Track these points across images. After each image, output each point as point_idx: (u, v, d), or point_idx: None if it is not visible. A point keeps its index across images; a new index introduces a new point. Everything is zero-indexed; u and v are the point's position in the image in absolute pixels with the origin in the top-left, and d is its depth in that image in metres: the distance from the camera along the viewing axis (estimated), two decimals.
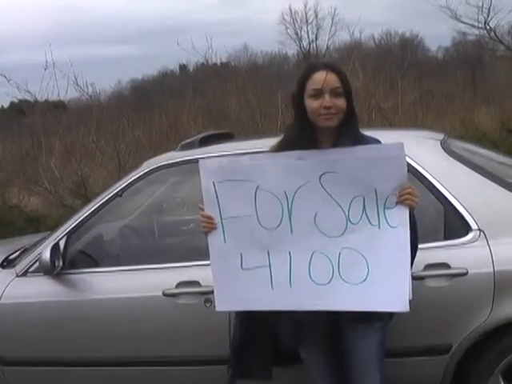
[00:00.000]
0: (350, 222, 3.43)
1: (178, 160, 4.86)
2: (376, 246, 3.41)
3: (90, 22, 70.19)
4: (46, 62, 13.30)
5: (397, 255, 3.39)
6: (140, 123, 16.98)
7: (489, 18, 14.38)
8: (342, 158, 3.41)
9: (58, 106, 17.93)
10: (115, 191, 4.84)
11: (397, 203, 3.38)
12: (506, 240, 4.05)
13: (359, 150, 3.41)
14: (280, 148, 3.62)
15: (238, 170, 3.54)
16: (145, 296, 4.52)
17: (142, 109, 22.12)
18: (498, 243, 4.04)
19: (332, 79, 3.45)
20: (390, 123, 14.33)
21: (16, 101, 16.48)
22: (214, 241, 3.61)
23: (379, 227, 3.41)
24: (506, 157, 5.64)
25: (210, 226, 3.60)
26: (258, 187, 3.49)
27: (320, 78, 3.46)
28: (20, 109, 17.67)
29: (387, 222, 3.40)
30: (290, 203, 3.46)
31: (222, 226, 3.58)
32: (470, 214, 4.12)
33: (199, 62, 25.69)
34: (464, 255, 4.07)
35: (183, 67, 43.95)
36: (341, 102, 3.45)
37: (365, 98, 14.84)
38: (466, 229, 4.11)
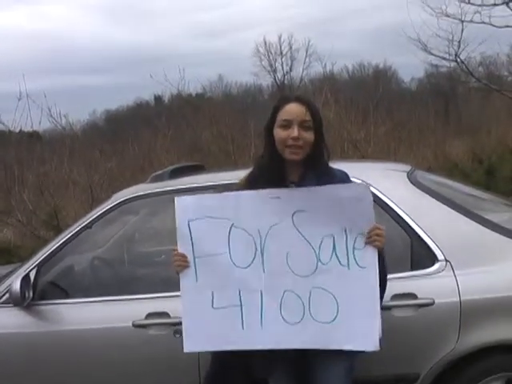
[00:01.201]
0: (321, 261, 3.48)
1: (148, 192, 4.89)
2: (346, 285, 3.46)
3: (63, 50, 70.18)
4: (20, 92, 13.28)
5: (366, 295, 3.46)
6: (113, 154, 16.98)
7: (459, 51, 14.54)
8: (312, 197, 3.46)
9: (32, 136, 17.89)
10: (85, 223, 4.84)
11: (366, 244, 3.44)
12: (471, 270, 4.11)
13: (328, 189, 3.46)
14: (249, 179, 3.68)
15: (213, 208, 3.56)
16: (115, 327, 4.51)
17: (115, 140, 22.14)
18: (464, 273, 4.10)
19: (302, 112, 3.51)
20: (362, 155, 14.41)
21: None
22: (186, 279, 3.61)
23: (348, 268, 3.47)
24: (472, 188, 5.72)
25: (182, 264, 3.61)
26: (232, 225, 3.52)
27: (291, 109, 3.53)
28: None
29: (356, 263, 3.46)
30: (262, 242, 3.50)
31: (195, 265, 3.58)
32: (436, 244, 4.17)
33: (174, 92, 25.70)
34: (430, 285, 4.11)
35: (158, 98, 44.01)
36: (308, 136, 3.52)
37: (337, 129, 14.93)
38: (433, 259, 4.16)
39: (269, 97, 45.66)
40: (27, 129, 15.20)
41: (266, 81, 49.75)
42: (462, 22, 14.45)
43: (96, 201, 12.13)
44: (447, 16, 14.52)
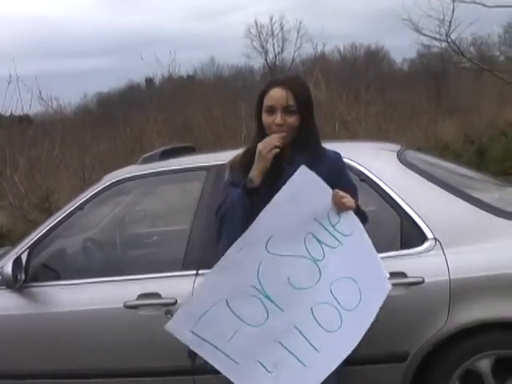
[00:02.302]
0: (318, 260, 3.46)
1: (139, 173, 4.90)
2: (349, 259, 3.47)
3: (55, 34, 69.88)
4: (10, 75, 13.26)
5: (366, 253, 3.52)
6: (105, 137, 16.96)
7: (450, 31, 14.51)
8: (268, 220, 3.38)
9: (23, 120, 17.84)
10: (77, 205, 4.86)
11: (339, 214, 3.45)
12: (461, 249, 4.12)
13: (277, 200, 3.38)
14: (240, 162, 3.67)
15: (200, 303, 3.43)
16: (107, 308, 4.53)
17: (107, 122, 22.08)
18: (454, 252, 4.11)
19: (285, 96, 3.50)
20: (353, 135, 14.41)
21: None
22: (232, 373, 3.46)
23: (341, 243, 3.47)
24: (462, 167, 5.74)
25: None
26: (227, 301, 3.40)
27: (274, 94, 3.53)
28: None
29: (343, 235, 3.47)
30: (262, 290, 3.41)
31: (227, 355, 3.42)
32: (425, 223, 4.19)
33: (165, 75, 25.66)
34: (420, 264, 4.13)
35: (149, 81, 43.87)
36: (293, 120, 3.51)
37: (328, 109, 14.93)
38: (422, 238, 4.17)
39: (260, 78, 45.59)
40: (18, 112, 15.20)
41: (257, 62, 49.66)
42: (453, 1, 14.42)
43: (87, 184, 12.13)
44: None
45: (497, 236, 4.18)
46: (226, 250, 3.38)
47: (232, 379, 3.41)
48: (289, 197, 3.39)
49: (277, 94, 3.52)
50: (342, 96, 16.20)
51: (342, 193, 3.45)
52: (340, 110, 15.36)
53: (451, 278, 4.06)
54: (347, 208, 3.45)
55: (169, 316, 4.27)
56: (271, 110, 3.52)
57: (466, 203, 4.29)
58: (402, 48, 49.52)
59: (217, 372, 3.42)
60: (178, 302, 4.32)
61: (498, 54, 37.57)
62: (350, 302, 3.45)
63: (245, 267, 3.39)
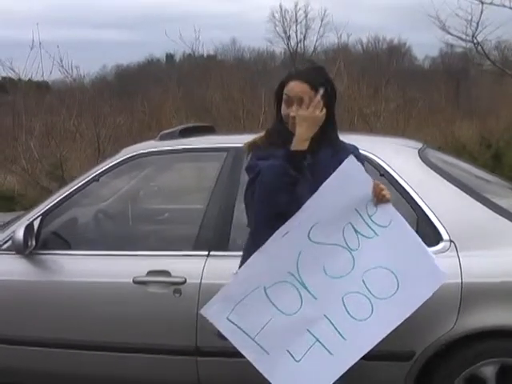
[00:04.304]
0: (353, 250, 3.49)
1: (157, 149, 4.89)
2: (385, 250, 3.51)
3: (79, 4, 69.69)
4: (33, 41, 13.23)
5: (408, 243, 3.54)
6: (122, 110, 16.91)
7: (477, 32, 14.42)
8: (314, 208, 3.43)
9: (41, 86, 17.82)
10: (92, 176, 4.84)
11: (377, 206, 3.47)
12: (475, 253, 4.09)
13: (324, 189, 3.41)
14: (268, 138, 3.64)
15: (238, 290, 3.48)
16: (115, 282, 4.53)
17: (125, 95, 22.05)
18: (468, 255, 4.08)
19: (302, 90, 3.46)
20: (371, 129, 14.34)
21: None
22: (253, 356, 3.48)
23: (377, 234, 3.50)
24: (481, 170, 5.70)
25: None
26: (264, 288, 3.45)
27: (292, 87, 3.50)
28: (2, 86, 17.55)
29: (379, 226, 3.49)
30: (298, 277, 3.46)
31: (258, 344, 3.46)
32: (441, 224, 4.16)
33: (186, 52, 25.62)
34: None
35: (170, 57, 43.78)
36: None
37: (348, 101, 14.88)
38: (437, 238, 4.14)
39: (281, 64, 45.41)
40: (37, 78, 15.20)
41: (278, 47, 49.33)
42: (482, 3, 14.32)
43: (102, 154, 12.13)
44: None
45: None
46: (262, 229, 3.46)
47: (260, 369, 3.45)
48: (336, 186, 3.42)
49: (296, 87, 3.49)
50: (362, 89, 16.15)
51: (382, 185, 3.49)
52: (359, 102, 15.30)
53: (463, 281, 4.03)
54: (386, 200, 3.48)
55: (177, 295, 4.27)
56: (289, 101, 3.50)
57: (485, 207, 4.26)
58: (424, 45, 49.17)
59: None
60: (188, 281, 4.32)
61: None
62: (383, 291, 3.49)
63: (286, 253, 3.45)
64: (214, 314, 3.47)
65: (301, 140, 3.38)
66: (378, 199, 3.47)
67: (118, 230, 5.15)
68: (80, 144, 14.15)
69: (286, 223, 3.41)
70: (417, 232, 4.12)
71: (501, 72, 18.03)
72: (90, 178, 4.84)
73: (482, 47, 15.00)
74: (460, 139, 16.02)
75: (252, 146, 3.69)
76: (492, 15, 14.62)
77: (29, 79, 15.07)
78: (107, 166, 4.86)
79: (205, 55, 31.32)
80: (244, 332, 3.44)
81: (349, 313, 3.47)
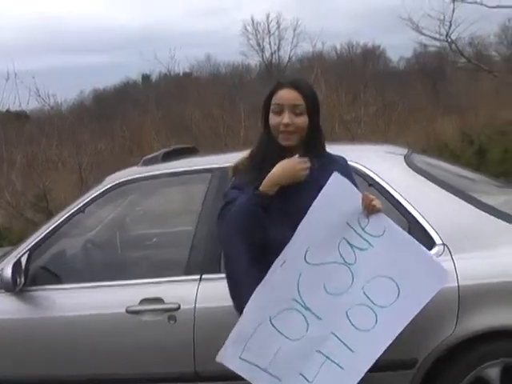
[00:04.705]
0: (350, 264, 3.48)
1: (141, 176, 4.85)
2: (383, 260, 3.49)
3: (51, 30, 69.69)
4: (8, 72, 13.21)
5: (404, 248, 3.52)
6: (102, 135, 16.87)
7: (450, 31, 14.44)
8: (306, 230, 3.42)
9: (20, 116, 17.79)
10: (78, 207, 4.80)
11: (368, 217, 3.46)
12: (469, 254, 4.06)
13: (314, 209, 3.41)
14: (252, 157, 3.60)
15: (246, 327, 3.47)
16: (108, 313, 4.47)
17: (104, 119, 22.02)
18: (462, 257, 4.05)
19: (294, 97, 3.46)
20: (352, 135, 14.37)
21: None
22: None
23: (371, 245, 3.48)
24: (466, 170, 5.69)
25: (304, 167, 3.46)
26: (270, 319, 3.45)
27: (283, 94, 3.48)
28: None
29: (374, 236, 3.48)
30: (301, 302, 3.45)
31: (271, 375, 3.46)
32: (433, 228, 4.14)
33: (162, 72, 25.67)
34: None
35: (146, 77, 43.85)
36: (300, 121, 3.46)
37: (327, 109, 14.88)
38: (431, 243, 4.10)
39: (257, 76, 45.53)
40: (15, 108, 15.15)
41: (253, 60, 49.45)
42: (454, 1, 14.36)
43: (85, 182, 12.08)
44: None
45: (506, 242, 4.12)
46: (235, 260, 3.55)
47: None
48: (324, 206, 3.42)
49: (286, 94, 3.47)
50: (341, 96, 16.18)
51: (370, 195, 3.47)
52: (339, 109, 15.32)
53: (460, 284, 4.00)
54: (377, 210, 3.45)
55: (172, 322, 4.22)
56: (279, 110, 3.47)
57: (475, 208, 4.24)
58: (398, 47, 49.59)
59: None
60: (182, 306, 4.27)
61: (494, 53, 37.61)
62: (385, 299, 3.48)
63: (286, 281, 3.44)
64: (229, 357, 3.47)
65: (271, 183, 3.38)
66: (369, 210, 3.44)
67: (107, 260, 5.09)
68: (62, 173, 14.08)
69: (282, 252, 3.40)
70: None
71: (476, 68, 18.08)
72: (75, 209, 4.79)
73: (456, 45, 15.03)
74: (441, 137, 16.07)
75: (234, 170, 3.66)
76: (464, 13, 14.69)
77: (7, 110, 14.99)
78: (92, 197, 4.82)
79: (181, 73, 31.37)
80: (257, 366, 3.44)
81: (354, 325, 3.47)
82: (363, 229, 3.47)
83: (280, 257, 3.40)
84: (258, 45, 49.07)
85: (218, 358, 3.49)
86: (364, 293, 3.48)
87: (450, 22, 14.49)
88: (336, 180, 3.42)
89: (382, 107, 17.35)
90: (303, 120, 3.47)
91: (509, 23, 32.90)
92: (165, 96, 23.66)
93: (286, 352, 3.43)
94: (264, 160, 3.50)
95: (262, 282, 3.41)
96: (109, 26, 70.01)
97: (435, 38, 15.25)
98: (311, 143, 3.52)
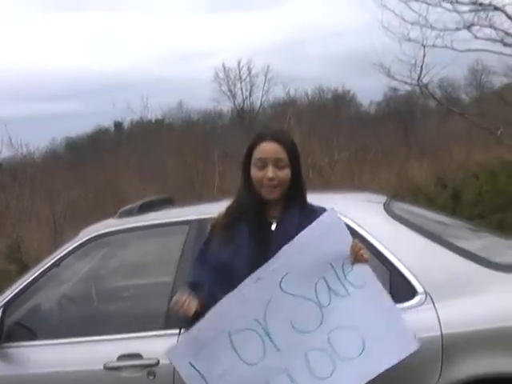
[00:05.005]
0: (323, 306, 3.43)
1: (117, 228, 4.80)
2: (356, 311, 3.43)
3: (23, 78, 69.58)
4: None
5: (379, 308, 3.45)
6: (75, 184, 16.80)
7: (422, 75, 14.55)
8: (289, 256, 3.38)
9: None
10: (52, 261, 4.73)
11: (353, 265, 3.42)
12: (452, 302, 4.02)
13: (301, 238, 3.40)
14: (230, 213, 3.58)
15: (203, 333, 3.42)
16: (86, 370, 4.37)
17: (77, 168, 21.96)
18: (445, 306, 4.01)
19: (277, 150, 3.43)
20: (326, 181, 14.39)
21: None
22: None
23: (349, 294, 3.43)
24: (443, 215, 5.71)
25: (190, 303, 3.43)
26: (229, 333, 3.39)
27: (265, 148, 3.45)
28: None
29: (353, 286, 3.43)
30: (264, 326, 3.39)
31: None
32: (415, 277, 4.09)
33: (134, 119, 25.73)
34: (411, 319, 3.96)
35: (118, 125, 43.85)
36: (283, 174, 3.45)
37: (301, 155, 14.86)
38: (412, 292, 4.07)
39: (229, 122, 45.74)
40: None
41: (226, 106, 49.67)
42: (424, 46, 14.49)
43: (59, 232, 11.96)
44: (409, 41, 14.52)
45: (487, 288, 4.08)
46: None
47: None
48: (313, 237, 3.39)
49: (269, 148, 3.45)
50: (313, 141, 16.24)
51: (360, 244, 3.44)
52: (313, 155, 15.36)
53: (443, 332, 3.95)
54: (364, 260, 3.42)
55: (151, 378, 4.14)
56: (262, 165, 3.43)
57: (456, 255, 4.21)
58: (368, 90, 50.00)
59: None
60: (161, 362, 4.18)
61: (463, 96, 38.13)
62: (347, 353, 3.41)
63: (255, 300, 3.39)
64: (178, 357, 3.43)
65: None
66: (356, 258, 3.41)
67: (84, 314, 5.00)
68: (35, 223, 13.95)
69: (260, 269, 3.36)
70: (390, 288, 4.07)
71: (447, 111, 18.25)
72: (49, 264, 4.73)
73: (428, 90, 15.15)
74: (414, 180, 16.15)
75: (212, 229, 3.64)
76: (435, 56, 14.81)
77: None
78: (67, 251, 4.76)
79: (153, 120, 31.43)
80: (203, 377, 3.37)
81: (309, 369, 3.40)
82: (345, 275, 3.42)
83: (257, 272, 3.35)
84: (230, 91, 49.40)
85: (168, 354, 3.45)
86: (328, 339, 3.41)
87: (422, 66, 14.58)
88: (331, 216, 3.42)
89: (355, 152, 17.44)
90: (286, 173, 3.45)
91: (477, 66, 33.39)
92: (138, 143, 23.62)
93: (236, 374, 3.37)
94: (241, 215, 3.48)
95: (232, 292, 3.36)
96: (81, 73, 70.03)
97: (407, 83, 15.35)
98: (293, 195, 3.50)
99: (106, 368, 4.29)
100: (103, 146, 33.58)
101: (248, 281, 3.36)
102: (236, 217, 3.51)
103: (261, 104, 48.33)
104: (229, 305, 3.39)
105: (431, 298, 4.05)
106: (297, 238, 3.38)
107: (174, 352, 3.47)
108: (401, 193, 13.81)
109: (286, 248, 3.37)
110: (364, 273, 3.44)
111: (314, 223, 3.42)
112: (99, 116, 67.42)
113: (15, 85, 61.37)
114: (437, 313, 4.00)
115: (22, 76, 68.67)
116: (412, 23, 14.30)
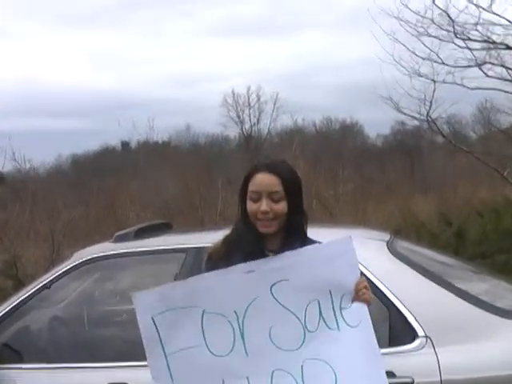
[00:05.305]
0: (308, 330, 3.21)
1: (111, 253, 4.71)
2: (340, 350, 3.20)
3: (31, 94, 70.02)
4: None
5: (364, 354, 3.22)
6: (77, 202, 16.73)
7: (431, 111, 14.46)
8: (291, 263, 3.20)
9: None
10: (43, 283, 4.63)
11: (353, 302, 3.23)
12: (453, 348, 3.91)
13: (308, 251, 3.22)
14: (227, 242, 3.41)
15: (179, 297, 3.20)
16: None
17: (80, 186, 21.92)
18: (445, 350, 3.90)
19: (271, 182, 3.26)
20: (330, 213, 14.29)
21: None
22: (159, 382, 3.21)
23: (339, 329, 3.22)
24: (446, 256, 5.61)
25: None
26: (204, 311, 3.18)
27: (259, 180, 3.27)
28: None
29: (346, 323, 3.22)
30: (241, 323, 3.18)
31: (167, 364, 3.18)
32: (416, 319, 3.98)
33: (141, 140, 25.73)
34: (410, 363, 3.91)
35: (125, 144, 43.90)
36: (279, 207, 3.26)
37: (305, 185, 14.82)
38: (413, 335, 3.96)
39: (236, 147, 45.81)
40: None
41: (233, 131, 49.76)
42: (435, 82, 14.42)
43: (57, 250, 11.86)
44: (420, 76, 14.46)
45: (490, 335, 3.98)
46: None
47: None
48: (321, 256, 3.23)
49: (263, 180, 3.27)
50: (319, 172, 16.20)
51: (366, 283, 3.26)
52: (317, 186, 15.29)
53: (442, 378, 3.84)
54: (365, 300, 3.23)
55: None
56: (256, 197, 3.27)
57: (459, 299, 4.11)
58: (375, 123, 50.04)
59: None
60: None
61: (471, 133, 38.16)
62: None
63: (241, 291, 3.18)
64: (143, 304, 3.18)
65: None
66: (358, 296, 3.23)
67: (73, 340, 4.86)
68: (34, 240, 13.84)
69: (257, 261, 3.19)
70: (390, 328, 3.95)
71: (454, 148, 18.19)
72: (40, 285, 4.63)
73: (436, 125, 15.06)
74: (418, 216, 16.04)
75: (208, 258, 3.46)
76: (444, 92, 14.75)
77: None
78: (59, 273, 4.67)
79: (160, 142, 31.46)
80: (160, 341, 3.15)
81: None
82: (341, 309, 3.22)
83: (253, 263, 3.18)
84: (238, 117, 49.49)
85: (134, 297, 3.19)
86: (302, 367, 3.17)
87: (431, 101, 14.50)
88: (347, 244, 3.26)
89: (360, 184, 17.39)
90: (282, 206, 3.26)
91: (486, 104, 33.38)
92: (143, 165, 23.61)
93: (195, 356, 3.15)
94: (238, 247, 3.33)
95: (221, 271, 3.20)
96: (84, 92, 70.34)
97: (415, 118, 15.27)
98: (292, 229, 3.33)
99: None
100: (109, 164, 33.56)
101: (240, 267, 3.18)
102: (233, 247, 3.35)
103: (268, 131, 48.44)
104: (213, 282, 3.19)
105: (432, 342, 3.93)
106: (305, 249, 3.22)
107: (141, 298, 3.21)
108: (404, 227, 13.68)
109: (289, 254, 3.20)
110: (361, 313, 3.23)
111: (327, 243, 3.27)
112: (107, 134, 67.64)
113: (21, 99, 61.70)
114: (437, 358, 3.88)
115: (30, 91, 69.01)
116: (423, 58, 14.19)
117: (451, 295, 4.10)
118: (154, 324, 3.16)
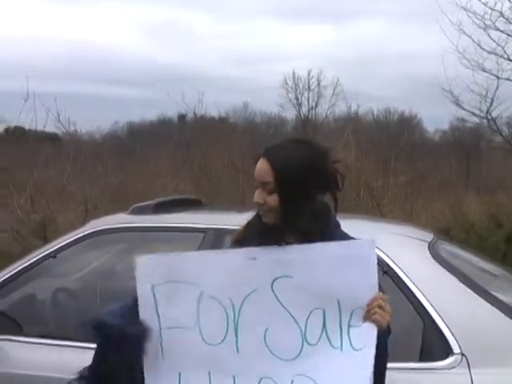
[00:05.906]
0: (307, 342, 2.82)
1: (125, 225, 4.40)
2: (336, 372, 2.79)
3: (93, 59, 70.52)
4: (27, 93, 13.13)
5: (360, 379, 2.75)
6: (120, 169, 16.59)
7: (491, 108, 13.94)
8: (299, 258, 2.81)
9: (53, 138, 17.79)
10: (49, 251, 4.33)
11: (364, 321, 2.76)
12: (490, 370, 3.48)
13: (320, 247, 2.81)
14: (244, 235, 3.04)
15: (181, 271, 2.92)
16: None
17: (130, 154, 21.86)
18: (481, 372, 3.47)
19: (264, 172, 2.83)
20: (377, 204, 13.87)
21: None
22: (150, 355, 2.93)
23: (341, 350, 2.79)
24: (493, 264, 5.10)
25: None
26: (202, 293, 2.88)
27: (257, 167, 2.88)
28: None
29: (351, 344, 2.79)
30: (236, 315, 2.86)
31: (161, 338, 2.93)
32: (452, 334, 3.55)
33: (198, 113, 25.55)
34: (440, 382, 3.50)
35: (182, 117, 43.91)
36: (271, 199, 2.84)
37: (355, 174, 14.43)
38: (447, 351, 3.53)
39: (292, 129, 45.47)
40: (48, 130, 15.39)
41: (290, 113, 49.42)
42: (498, 78, 13.89)
43: (91, 215, 11.70)
44: (483, 70, 13.93)
45: None
46: None
47: (145, 373, 2.93)
48: (331, 256, 2.81)
49: (258, 167, 2.87)
50: (371, 161, 15.82)
51: (384, 303, 2.73)
52: (367, 175, 14.91)
53: None
54: (376, 321, 2.73)
55: None
56: (256, 185, 2.88)
57: (502, 314, 3.65)
58: (434, 117, 49.17)
59: None
60: None
61: None
62: None
63: (241, 278, 2.87)
64: (144, 271, 2.94)
65: None
66: (369, 314, 2.74)
67: (77, 316, 4.50)
68: (71, 203, 13.71)
69: (262, 248, 2.86)
70: (422, 343, 3.53)
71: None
72: (45, 254, 4.33)
73: (496, 124, 14.55)
74: (469, 216, 15.60)
75: (231, 244, 3.11)
76: (508, 91, 14.21)
77: (42, 131, 15.26)
78: (67, 242, 4.37)
79: (216, 117, 31.33)
80: (157, 313, 2.92)
81: None
82: (349, 327, 2.79)
83: (258, 250, 2.87)
84: (297, 99, 49.16)
85: (137, 261, 2.94)
86: (292, 382, 2.82)
87: (492, 98, 13.99)
88: (367, 249, 2.82)
89: (412, 178, 16.98)
90: (273, 199, 2.84)
91: None
92: (199, 138, 23.38)
93: (187, 339, 2.90)
94: (253, 235, 2.94)
95: (225, 250, 3.06)
96: (147, 62, 70.81)
97: (475, 114, 14.75)
98: (287, 225, 2.89)
99: None
100: (164, 134, 33.56)
101: (245, 252, 2.88)
102: (250, 235, 2.98)
103: (325, 116, 48.06)
104: (216, 262, 2.93)
105: (467, 362, 3.50)
106: (316, 245, 2.81)
107: (144, 264, 2.96)
108: (453, 227, 13.23)
109: (300, 246, 2.83)
110: (368, 336, 2.77)
111: (344, 242, 2.86)
112: (165, 105, 67.96)
113: (80, 64, 62.30)
114: (471, 379, 3.47)
115: (88, 56, 69.68)
116: (489, 52, 13.66)
117: (495, 310, 3.66)
118: (153, 294, 2.92)
